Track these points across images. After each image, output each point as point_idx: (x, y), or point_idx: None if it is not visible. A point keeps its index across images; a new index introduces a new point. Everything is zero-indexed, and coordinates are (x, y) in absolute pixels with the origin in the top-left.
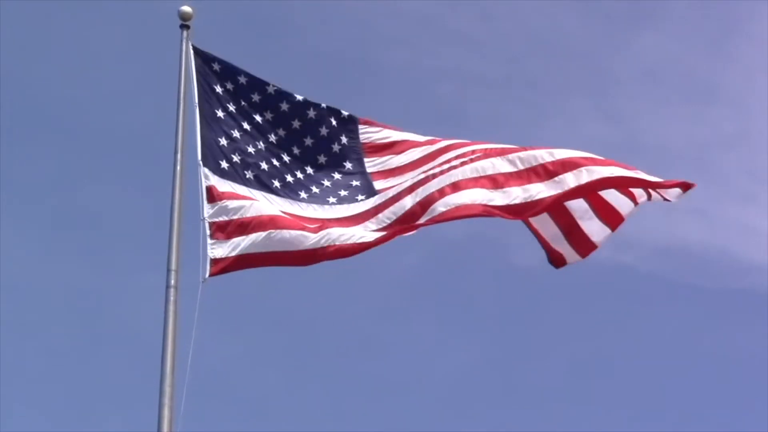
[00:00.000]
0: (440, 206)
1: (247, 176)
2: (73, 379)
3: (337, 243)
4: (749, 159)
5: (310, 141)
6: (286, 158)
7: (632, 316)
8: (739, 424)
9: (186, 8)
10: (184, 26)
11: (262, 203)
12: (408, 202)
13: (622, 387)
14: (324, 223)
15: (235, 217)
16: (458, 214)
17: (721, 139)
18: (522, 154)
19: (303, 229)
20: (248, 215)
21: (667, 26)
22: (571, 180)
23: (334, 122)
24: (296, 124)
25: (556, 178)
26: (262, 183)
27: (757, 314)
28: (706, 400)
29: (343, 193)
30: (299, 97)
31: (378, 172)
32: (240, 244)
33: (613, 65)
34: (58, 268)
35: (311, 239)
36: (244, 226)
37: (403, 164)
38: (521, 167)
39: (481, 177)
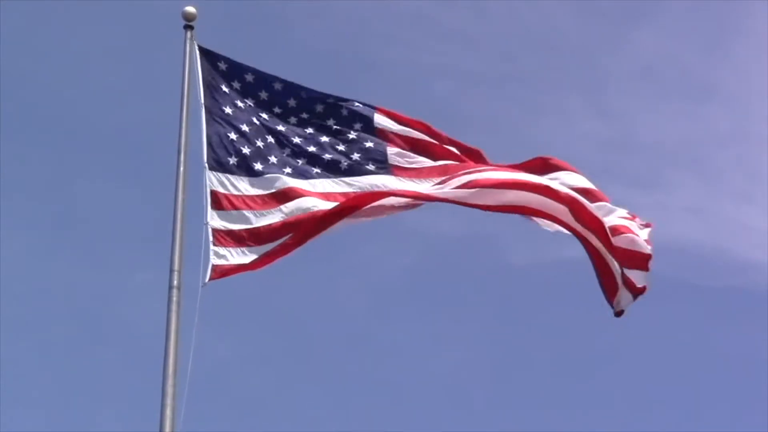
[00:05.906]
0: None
1: (257, 168)
2: (73, 379)
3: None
4: (746, 157)
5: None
6: (295, 143)
7: (630, 314)
8: (737, 423)
9: (190, 9)
10: (188, 27)
11: (267, 215)
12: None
13: (621, 386)
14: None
15: (238, 227)
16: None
17: (717, 137)
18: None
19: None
20: (252, 226)
21: (663, 23)
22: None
23: (345, 113)
24: (304, 115)
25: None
26: (273, 172)
27: (755, 312)
28: (705, 399)
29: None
30: (314, 93)
31: (399, 167)
32: (244, 254)
33: (608, 62)
34: (59, 267)
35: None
36: (246, 237)
37: (423, 167)
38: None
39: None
